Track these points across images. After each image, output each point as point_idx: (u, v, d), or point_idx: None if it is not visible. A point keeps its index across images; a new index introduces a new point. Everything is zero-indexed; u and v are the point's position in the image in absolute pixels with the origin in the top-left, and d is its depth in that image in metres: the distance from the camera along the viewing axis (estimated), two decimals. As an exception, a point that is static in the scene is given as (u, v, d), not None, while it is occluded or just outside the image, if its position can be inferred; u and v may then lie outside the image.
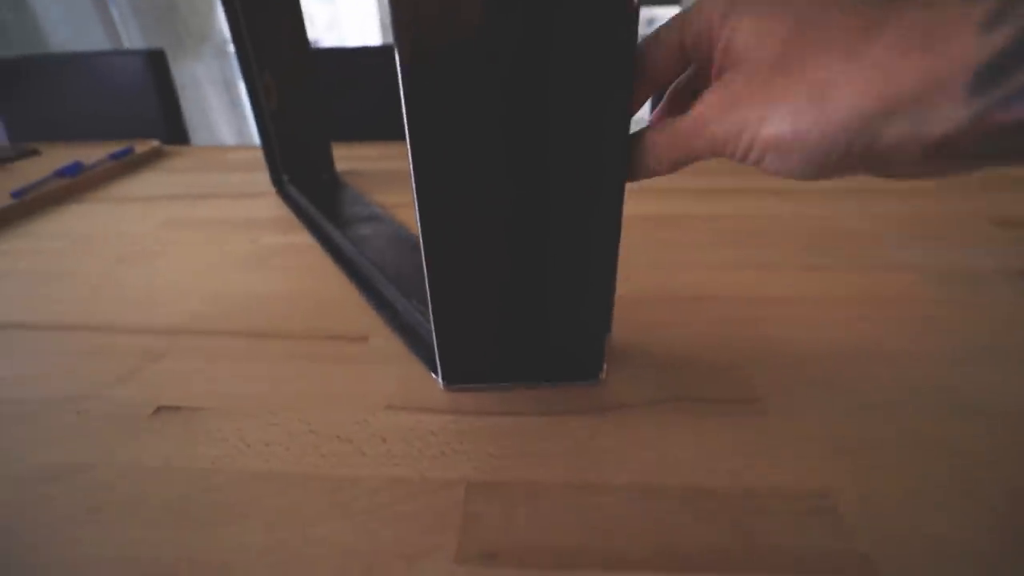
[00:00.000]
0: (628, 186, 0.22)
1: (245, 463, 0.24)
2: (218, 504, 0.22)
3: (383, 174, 0.63)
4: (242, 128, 2.47)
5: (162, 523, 0.21)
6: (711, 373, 0.28)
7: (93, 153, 0.74)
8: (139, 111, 0.92)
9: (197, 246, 0.47)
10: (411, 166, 0.21)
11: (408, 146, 0.21)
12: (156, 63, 0.89)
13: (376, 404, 0.27)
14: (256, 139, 0.58)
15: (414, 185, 0.21)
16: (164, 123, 0.91)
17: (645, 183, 0.23)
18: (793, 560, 0.19)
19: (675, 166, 0.20)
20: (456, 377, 0.27)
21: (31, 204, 0.57)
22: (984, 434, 0.24)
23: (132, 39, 2.00)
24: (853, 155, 0.15)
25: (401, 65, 0.19)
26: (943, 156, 0.14)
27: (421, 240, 0.23)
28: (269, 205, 0.55)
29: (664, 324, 0.33)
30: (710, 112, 0.18)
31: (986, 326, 0.31)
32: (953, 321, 0.32)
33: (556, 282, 0.24)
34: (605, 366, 0.27)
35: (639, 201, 0.49)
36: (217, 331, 0.34)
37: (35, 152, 0.76)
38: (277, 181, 0.58)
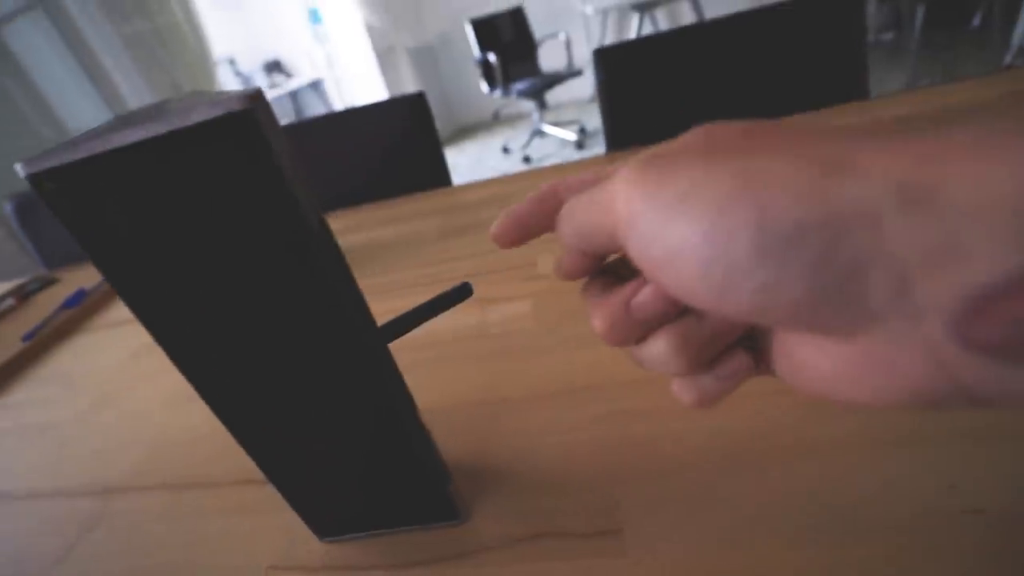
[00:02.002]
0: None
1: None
2: None
3: (363, 248, 0.64)
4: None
5: None
6: (576, 496, 0.27)
7: (96, 277, 0.81)
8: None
9: (162, 375, 0.50)
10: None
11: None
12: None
13: (257, 567, 0.28)
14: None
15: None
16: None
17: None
18: None
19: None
20: (328, 530, 0.28)
21: (39, 346, 0.63)
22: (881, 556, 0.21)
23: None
24: None
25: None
26: None
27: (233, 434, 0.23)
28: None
29: (545, 425, 0.31)
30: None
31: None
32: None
33: (368, 448, 0.24)
34: (462, 509, 0.27)
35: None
36: (148, 486, 0.36)
37: (55, 281, 0.85)
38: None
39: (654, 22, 3.13)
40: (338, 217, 0.78)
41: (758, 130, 0.13)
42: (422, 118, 0.81)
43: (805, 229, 0.11)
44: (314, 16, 3.23)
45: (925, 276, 0.10)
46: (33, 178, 0.17)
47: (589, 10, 2.70)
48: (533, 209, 0.18)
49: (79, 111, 2.13)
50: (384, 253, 0.62)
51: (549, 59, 3.19)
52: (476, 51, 2.88)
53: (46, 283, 0.84)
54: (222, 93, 0.18)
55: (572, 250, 0.17)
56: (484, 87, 2.87)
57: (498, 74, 2.71)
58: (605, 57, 0.77)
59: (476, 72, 2.96)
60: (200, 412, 0.43)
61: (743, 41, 0.75)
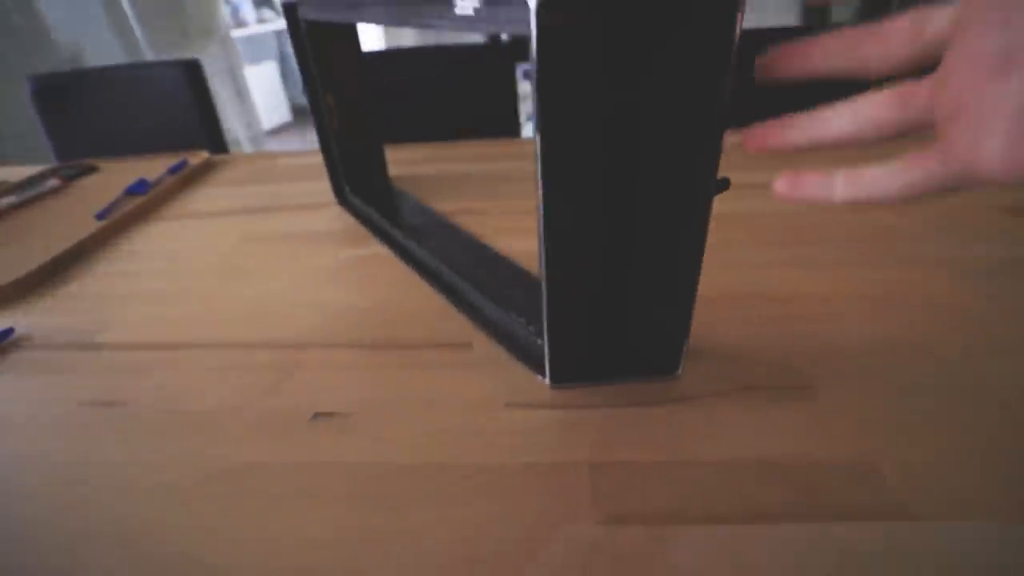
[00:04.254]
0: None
1: (396, 458, 0.30)
2: (386, 492, 0.28)
3: (433, 179, 0.67)
4: (251, 121, 2.49)
5: (340, 508, 0.27)
6: (768, 365, 0.34)
7: (147, 168, 0.78)
8: (178, 122, 0.95)
9: (281, 260, 0.52)
10: (540, 208, 0.26)
11: (540, 195, 0.26)
12: (192, 74, 0.93)
13: (496, 403, 0.33)
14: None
15: (542, 226, 0.26)
16: (204, 132, 0.95)
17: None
18: (848, 510, 0.25)
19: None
20: (561, 378, 0.33)
21: (115, 225, 0.61)
22: (998, 414, 0.29)
23: (136, 32, 2.00)
24: None
25: (541, 135, 0.24)
26: None
27: (544, 268, 0.28)
28: (333, 216, 0.60)
29: (722, 321, 0.38)
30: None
31: (1010, 318, 0.36)
32: (978, 312, 0.37)
33: (644, 297, 0.29)
34: (682, 363, 0.33)
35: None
36: (334, 344, 0.39)
37: (94, 169, 0.81)
38: (339, 192, 0.62)
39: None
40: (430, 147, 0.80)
41: None
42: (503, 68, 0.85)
43: None
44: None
45: None
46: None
47: None
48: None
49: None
50: (484, 185, 0.65)
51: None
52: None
53: (85, 170, 0.80)
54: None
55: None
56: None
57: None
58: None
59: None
60: (359, 288, 0.45)
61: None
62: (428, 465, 0.29)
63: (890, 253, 0.44)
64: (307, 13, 0.49)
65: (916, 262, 0.43)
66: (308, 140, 3.35)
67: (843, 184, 0.22)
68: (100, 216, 0.63)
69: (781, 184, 0.24)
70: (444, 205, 0.59)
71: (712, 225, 0.27)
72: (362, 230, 0.56)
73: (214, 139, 0.96)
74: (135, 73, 0.95)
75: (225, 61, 2.36)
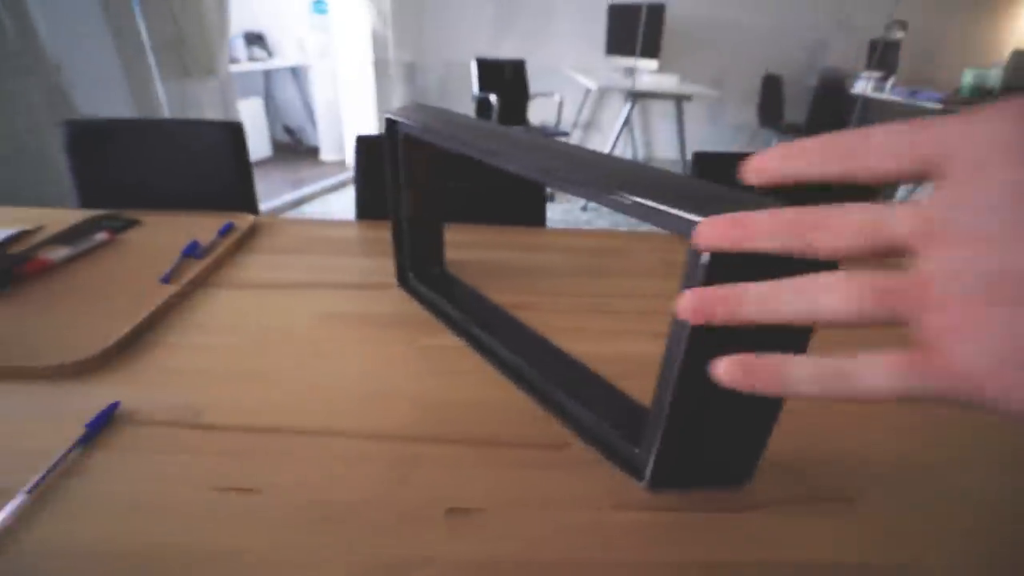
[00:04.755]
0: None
1: (534, 555, 0.35)
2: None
3: (484, 265, 0.74)
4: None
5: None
6: (815, 476, 0.41)
7: (190, 225, 0.80)
8: (212, 180, 0.98)
9: (358, 344, 0.56)
10: (672, 374, 0.33)
11: (675, 364, 0.33)
12: (236, 135, 0.97)
13: (602, 503, 0.38)
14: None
15: (672, 385, 0.34)
16: (240, 193, 0.98)
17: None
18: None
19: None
20: (659, 483, 0.39)
21: (181, 291, 0.64)
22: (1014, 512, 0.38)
23: (140, 62, 2.00)
24: None
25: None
26: None
27: (667, 411, 0.35)
28: (396, 299, 0.65)
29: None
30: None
31: None
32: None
33: (738, 425, 0.37)
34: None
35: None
36: (445, 439, 0.44)
37: (137, 222, 0.82)
38: (402, 276, 0.68)
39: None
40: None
41: None
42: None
43: None
44: (318, 5, 3.21)
45: None
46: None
47: (592, 85, 3.03)
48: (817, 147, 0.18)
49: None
50: (527, 276, 0.73)
51: (536, 114, 3.45)
52: (476, 87, 3.05)
53: (129, 223, 0.81)
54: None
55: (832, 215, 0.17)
56: (477, 122, 3.03)
57: (495, 114, 2.89)
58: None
59: (470, 107, 3.13)
60: (446, 381, 0.50)
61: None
62: (561, 562, 0.34)
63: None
64: (423, 135, 0.55)
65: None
66: (288, 175, 3.36)
67: (811, 376, 0.18)
68: (164, 280, 0.65)
69: (728, 368, 0.20)
70: (498, 296, 0.65)
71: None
72: (429, 317, 0.62)
73: (247, 200, 1.00)
74: (174, 128, 0.98)
75: (220, 95, 2.38)
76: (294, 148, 3.91)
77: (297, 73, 3.74)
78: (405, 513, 0.37)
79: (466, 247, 0.80)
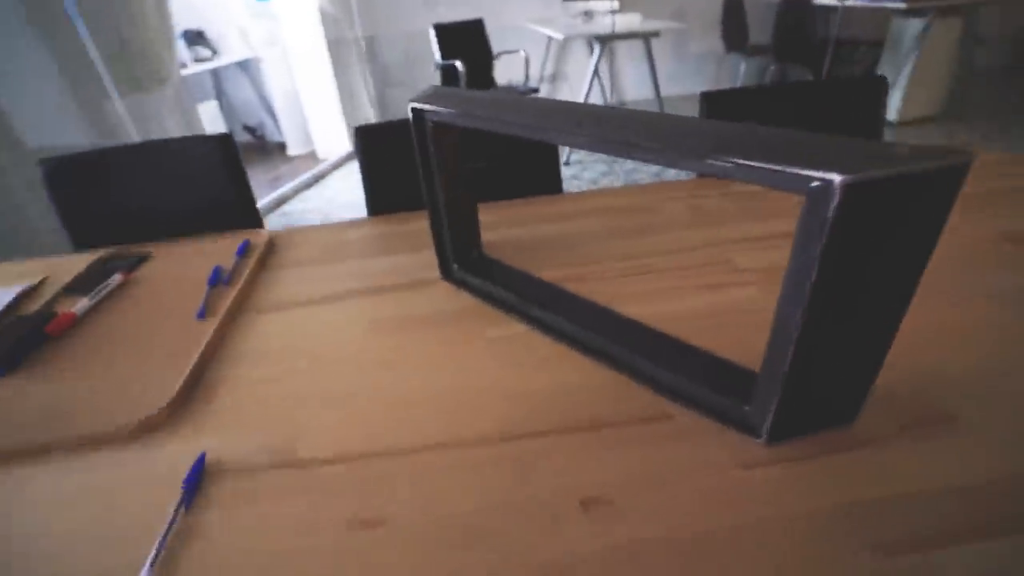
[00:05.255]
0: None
1: (676, 532, 0.35)
2: (686, 567, 0.33)
3: (519, 243, 0.72)
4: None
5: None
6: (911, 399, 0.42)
7: (200, 251, 0.77)
8: (206, 197, 0.94)
9: (423, 348, 0.55)
10: (794, 322, 0.32)
11: (795, 317, 0.32)
12: (225, 147, 0.92)
13: (725, 466, 0.38)
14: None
15: (796, 335, 0.33)
16: (238, 206, 0.94)
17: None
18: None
19: None
20: (776, 437, 0.39)
21: (221, 325, 0.61)
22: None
23: (88, 79, 1.87)
24: None
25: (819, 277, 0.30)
26: None
27: (788, 367, 0.34)
28: (444, 294, 0.63)
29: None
30: None
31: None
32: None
33: (848, 370, 0.37)
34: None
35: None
36: (546, 431, 0.43)
37: (148, 256, 0.78)
38: (445, 268, 0.66)
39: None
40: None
41: None
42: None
43: None
44: (257, -9, 3.01)
45: None
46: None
47: (559, 35, 2.91)
48: None
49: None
50: (565, 247, 0.71)
51: (501, 74, 3.33)
52: (437, 55, 2.93)
53: (139, 259, 0.77)
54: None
55: None
56: (445, 92, 2.92)
57: (463, 82, 2.79)
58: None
59: (435, 76, 3.00)
60: (527, 373, 0.49)
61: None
62: (705, 534, 0.34)
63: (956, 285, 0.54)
64: (455, 120, 0.52)
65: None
66: (261, 175, 3.24)
67: None
68: (200, 316, 0.62)
69: None
70: (544, 272, 0.64)
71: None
72: (483, 306, 0.60)
73: (247, 212, 0.95)
74: (157, 149, 0.92)
75: (176, 103, 2.26)
76: (260, 147, 3.75)
77: (247, 67, 3.54)
78: (539, 511, 0.37)
79: (495, 227, 0.77)
